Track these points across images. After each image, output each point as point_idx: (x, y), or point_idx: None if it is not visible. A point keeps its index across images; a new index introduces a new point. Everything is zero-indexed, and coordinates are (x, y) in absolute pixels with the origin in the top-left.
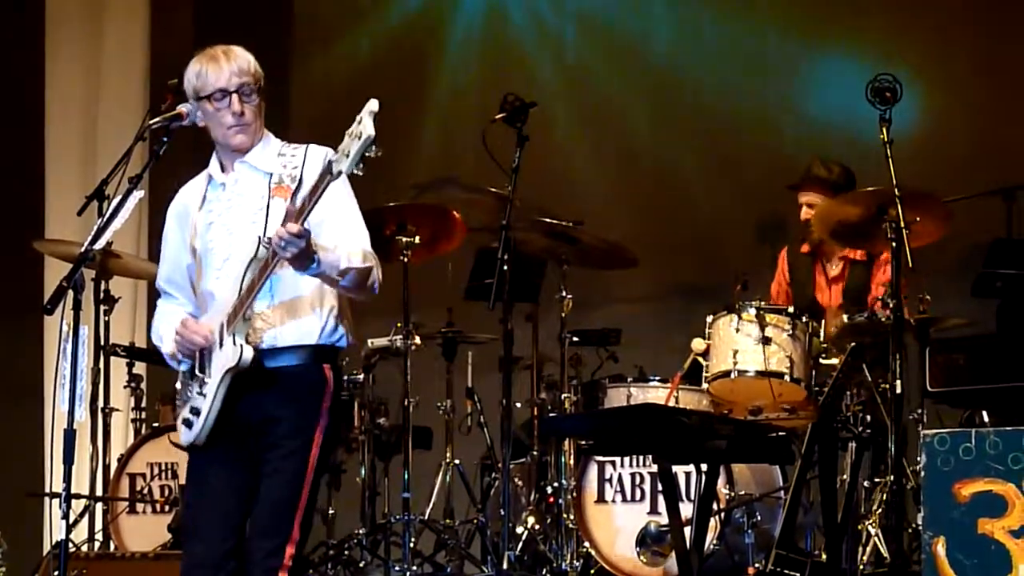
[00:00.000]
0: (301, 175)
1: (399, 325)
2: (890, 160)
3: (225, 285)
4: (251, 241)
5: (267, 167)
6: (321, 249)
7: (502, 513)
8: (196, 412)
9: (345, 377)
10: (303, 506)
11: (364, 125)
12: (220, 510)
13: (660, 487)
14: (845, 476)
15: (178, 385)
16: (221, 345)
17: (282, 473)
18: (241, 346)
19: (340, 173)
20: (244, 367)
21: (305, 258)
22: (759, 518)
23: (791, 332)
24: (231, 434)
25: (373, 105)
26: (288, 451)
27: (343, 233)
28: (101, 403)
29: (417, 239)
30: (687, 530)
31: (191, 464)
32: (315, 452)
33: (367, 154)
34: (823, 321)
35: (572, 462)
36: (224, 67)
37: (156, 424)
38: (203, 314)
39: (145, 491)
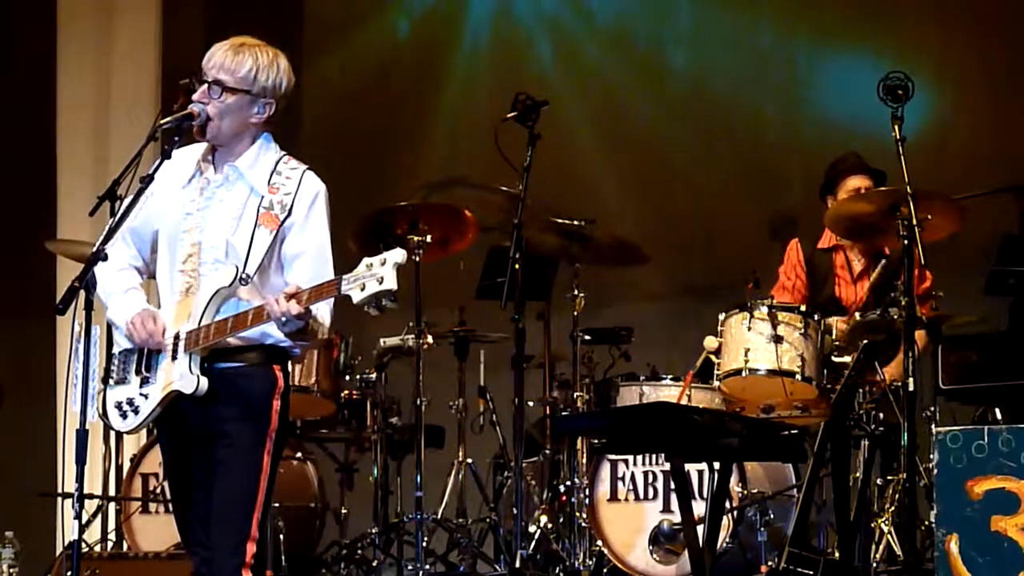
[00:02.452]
0: (292, 204)
1: (411, 324)
2: (902, 158)
3: (181, 280)
4: (219, 249)
5: (257, 183)
6: (312, 321)
7: (515, 512)
8: (132, 405)
9: (357, 376)
10: (260, 505)
11: (386, 272)
12: (204, 507)
13: (673, 485)
14: (858, 474)
15: (115, 358)
16: (174, 357)
17: (236, 472)
18: (198, 377)
19: (348, 298)
20: (197, 396)
21: (301, 333)
22: (772, 516)
23: (803, 330)
24: (182, 418)
25: (399, 256)
26: (241, 450)
27: (316, 276)
28: None
29: (429, 238)
30: (700, 528)
31: (167, 450)
32: (269, 448)
33: (384, 303)
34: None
35: (585, 460)
36: (216, 57)
37: None
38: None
39: (158, 491)
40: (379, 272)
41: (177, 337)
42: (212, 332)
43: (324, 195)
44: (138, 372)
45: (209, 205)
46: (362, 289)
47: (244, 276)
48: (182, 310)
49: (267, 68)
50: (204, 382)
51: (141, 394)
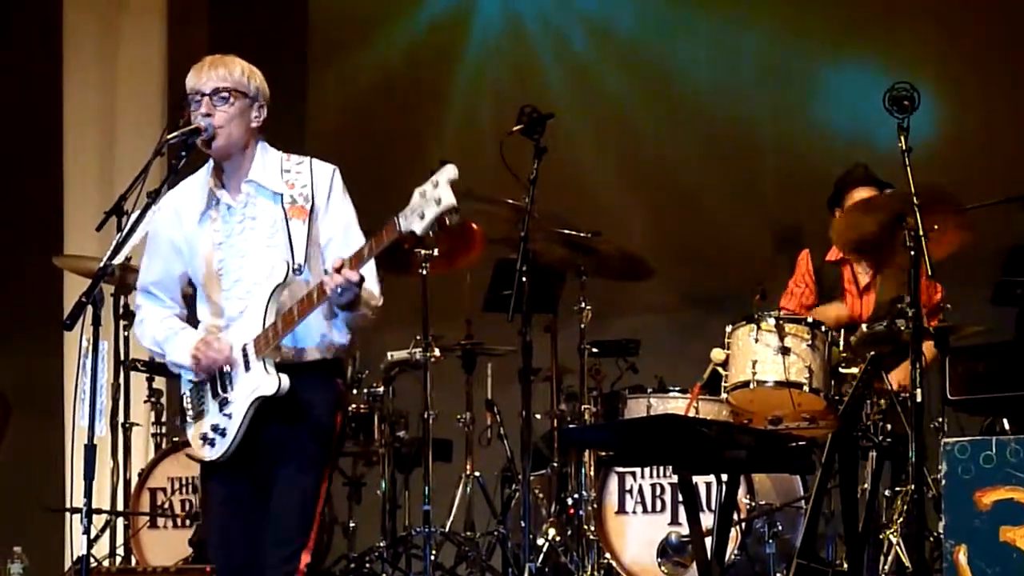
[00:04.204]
0: (313, 194)
1: (418, 338)
2: (908, 168)
3: (237, 305)
4: (265, 264)
5: (275, 186)
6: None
7: (522, 525)
8: (218, 430)
9: (365, 390)
10: (318, 515)
11: (442, 192)
12: (245, 523)
13: (680, 498)
14: (866, 485)
15: (185, 396)
16: (247, 368)
17: (298, 482)
18: (279, 376)
19: (411, 232)
20: (280, 396)
21: (355, 301)
22: (780, 528)
23: (810, 342)
24: (249, 447)
25: (452, 172)
26: (304, 461)
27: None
28: (121, 418)
29: (435, 251)
30: (708, 540)
31: (210, 477)
32: (329, 461)
33: (446, 220)
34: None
35: (592, 473)
36: (204, 72)
37: (176, 439)
38: (199, 321)
39: (166, 505)
40: (434, 194)
41: (245, 349)
42: (281, 327)
43: (338, 174)
44: (215, 396)
45: (242, 228)
46: (422, 217)
47: (297, 267)
48: (243, 323)
49: (252, 72)
50: (285, 379)
51: (224, 414)
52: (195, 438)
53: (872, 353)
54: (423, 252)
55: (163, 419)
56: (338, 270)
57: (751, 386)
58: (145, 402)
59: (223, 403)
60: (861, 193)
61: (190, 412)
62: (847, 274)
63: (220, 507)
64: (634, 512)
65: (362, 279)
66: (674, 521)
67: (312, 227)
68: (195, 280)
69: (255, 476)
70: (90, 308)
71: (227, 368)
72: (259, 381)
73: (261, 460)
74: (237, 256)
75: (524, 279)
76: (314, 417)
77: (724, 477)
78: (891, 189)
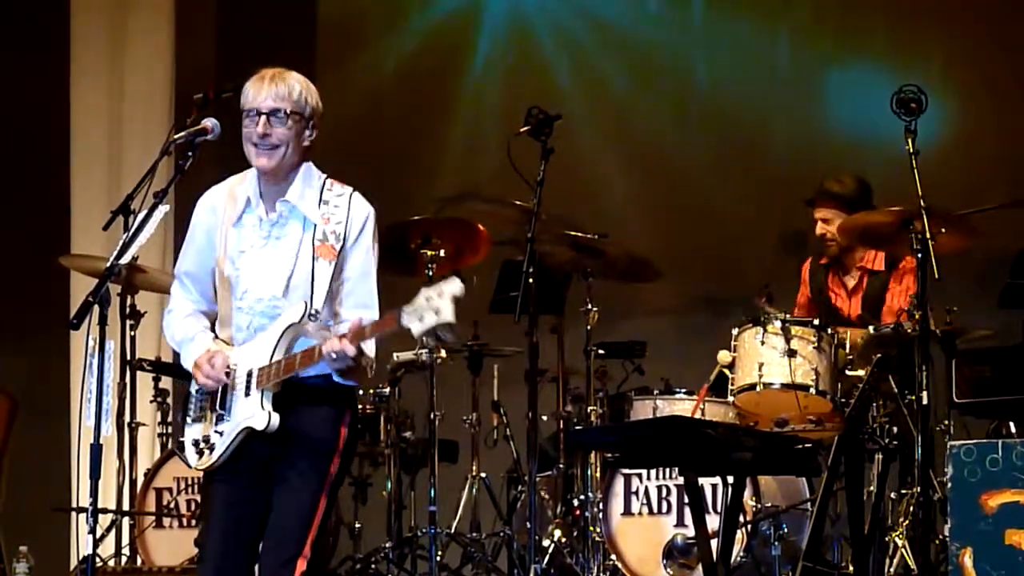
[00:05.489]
0: (346, 233)
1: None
2: (916, 171)
3: (244, 319)
4: (277, 283)
5: (310, 214)
6: (362, 357)
7: (528, 526)
8: (208, 443)
9: (371, 391)
10: (317, 524)
11: (443, 304)
12: (244, 528)
13: (686, 499)
14: (872, 488)
15: (192, 396)
16: (247, 393)
17: (298, 489)
18: (270, 414)
19: (409, 330)
20: (268, 433)
21: (348, 370)
22: (786, 530)
23: (817, 344)
24: (254, 454)
25: (457, 288)
26: (306, 468)
27: (360, 301)
28: (127, 418)
29: (442, 252)
30: (714, 543)
31: (212, 480)
32: (333, 471)
33: (441, 335)
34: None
35: (598, 475)
36: (264, 89)
37: (182, 439)
38: (218, 322)
39: (172, 505)
40: (436, 303)
41: (250, 374)
42: (283, 368)
43: (373, 218)
44: (212, 409)
45: (266, 243)
46: (420, 320)
47: (312, 312)
48: (255, 347)
49: (310, 90)
50: (276, 418)
51: (216, 431)
52: (188, 439)
53: (878, 355)
54: (429, 253)
55: (169, 419)
56: (347, 336)
57: (757, 388)
58: (151, 402)
59: (219, 419)
60: (820, 212)
61: (191, 413)
62: (834, 277)
63: (221, 510)
64: (640, 514)
65: (360, 352)
66: (680, 523)
67: (337, 270)
68: (217, 280)
69: (258, 482)
70: (97, 308)
71: (230, 387)
72: (253, 412)
73: (265, 467)
74: (255, 267)
75: (531, 280)
76: (320, 429)
77: (730, 479)
78: (855, 204)
